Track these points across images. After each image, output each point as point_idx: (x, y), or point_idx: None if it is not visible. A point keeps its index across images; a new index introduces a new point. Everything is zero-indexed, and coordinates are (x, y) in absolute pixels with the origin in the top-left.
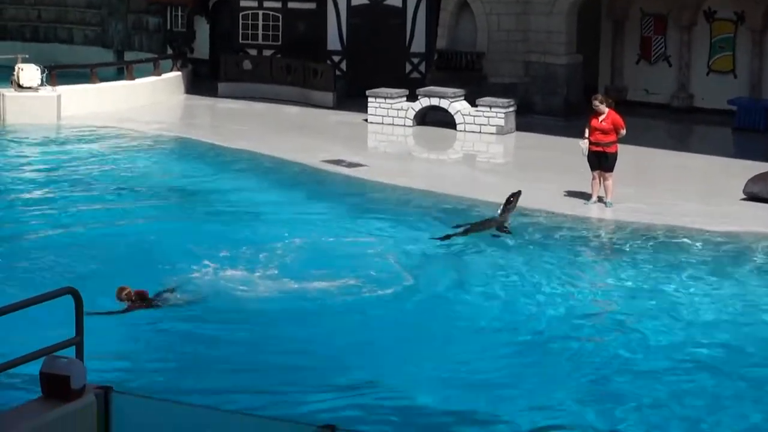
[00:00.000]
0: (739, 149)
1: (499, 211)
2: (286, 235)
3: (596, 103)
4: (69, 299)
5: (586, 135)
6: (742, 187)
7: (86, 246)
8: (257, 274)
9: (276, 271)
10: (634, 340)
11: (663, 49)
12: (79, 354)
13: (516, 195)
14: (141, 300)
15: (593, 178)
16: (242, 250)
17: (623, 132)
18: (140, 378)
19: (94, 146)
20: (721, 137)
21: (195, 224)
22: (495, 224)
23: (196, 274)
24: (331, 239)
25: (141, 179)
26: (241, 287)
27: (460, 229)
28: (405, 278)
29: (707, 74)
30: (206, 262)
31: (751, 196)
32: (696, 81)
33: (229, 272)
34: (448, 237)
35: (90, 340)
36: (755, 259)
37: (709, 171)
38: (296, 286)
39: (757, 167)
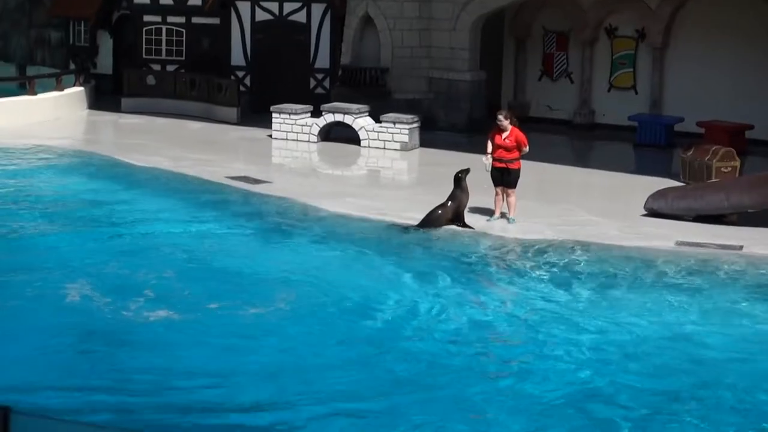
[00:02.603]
0: (640, 165)
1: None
2: (186, 251)
3: (500, 118)
4: None
5: (489, 151)
6: (643, 203)
7: None
8: (148, 293)
9: (168, 290)
10: (534, 350)
11: (565, 65)
12: None
13: (464, 172)
14: None
15: (496, 195)
16: (134, 267)
17: (526, 149)
18: (38, 398)
19: None
20: (622, 153)
21: (88, 239)
22: (452, 210)
23: (79, 290)
24: (233, 257)
25: (40, 194)
26: (132, 306)
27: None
28: (306, 296)
29: (608, 90)
30: (94, 280)
31: (652, 212)
32: (597, 97)
33: (114, 292)
34: (406, 229)
35: None
36: (653, 273)
37: (611, 187)
38: (191, 305)
39: (658, 183)
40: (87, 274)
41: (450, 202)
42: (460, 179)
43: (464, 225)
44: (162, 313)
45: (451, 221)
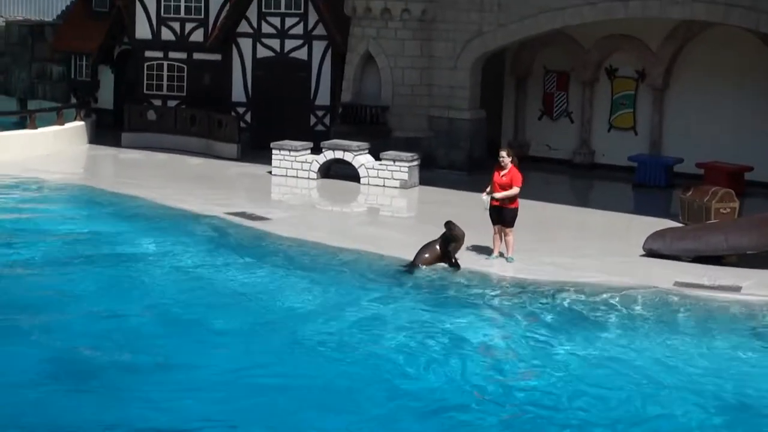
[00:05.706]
0: (639, 205)
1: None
2: (181, 287)
3: (503, 154)
4: None
5: (488, 190)
6: (642, 244)
7: None
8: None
9: (155, 327)
10: (526, 397)
11: (565, 105)
12: None
13: (448, 225)
14: None
15: (494, 233)
16: (127, 303)
17: (516, 190)
18: None
19: None
20: (621, 193)
21: (84, 273)
22: (443, 248)
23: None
24: (229, 292)
25: (35, 228)
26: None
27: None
28: (302, 337)
29: (608, 131)
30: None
31: (650, 253)
32: (597, 137)
33: (104, 329)
34: (404, 267)
35: None
36: (651, 314)
37: (610, 227)
38: (183, 343)
39: (657, 223)
40: (79, 310)
41: (441, 240)
42: (451, 230)
43: (455, 263)
44: (147, 353)
45: (442, 259)
